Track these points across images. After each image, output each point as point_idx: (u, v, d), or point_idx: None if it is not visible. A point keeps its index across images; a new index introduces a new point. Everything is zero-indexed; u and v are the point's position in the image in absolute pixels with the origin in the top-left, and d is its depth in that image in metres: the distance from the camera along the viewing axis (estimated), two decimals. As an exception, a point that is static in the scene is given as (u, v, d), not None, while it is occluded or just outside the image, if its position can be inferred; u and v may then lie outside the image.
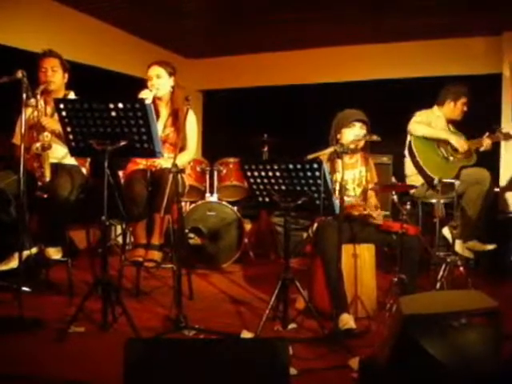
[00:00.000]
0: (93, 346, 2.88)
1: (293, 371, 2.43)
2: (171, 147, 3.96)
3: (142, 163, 3.95)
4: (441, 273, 3.81)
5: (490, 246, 4.49)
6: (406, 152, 4.73)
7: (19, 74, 3.19)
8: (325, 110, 3.96)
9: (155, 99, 3.95)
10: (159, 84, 3.96)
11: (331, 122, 3.83)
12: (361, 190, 3.81)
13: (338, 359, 2.72)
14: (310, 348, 2.90)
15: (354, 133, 3.66)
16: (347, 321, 3.16)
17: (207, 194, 5.61)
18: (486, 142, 4.65)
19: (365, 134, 3.53)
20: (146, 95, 3.78)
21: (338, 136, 3.76)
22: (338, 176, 3.61)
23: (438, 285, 3.78)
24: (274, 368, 1.97)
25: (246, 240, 5.53)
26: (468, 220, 4.51)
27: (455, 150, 4.62)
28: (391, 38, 6.40)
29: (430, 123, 4.72)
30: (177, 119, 3.99)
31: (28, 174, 3.48)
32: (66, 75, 4.08)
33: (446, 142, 4.63)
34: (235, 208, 5.50)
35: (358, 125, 3.69)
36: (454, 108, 4.76)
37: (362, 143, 3.68)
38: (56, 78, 3.97)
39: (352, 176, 3.78)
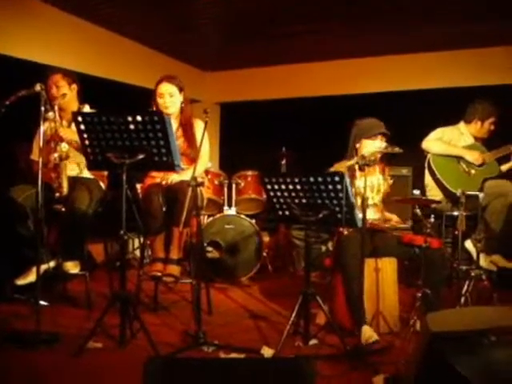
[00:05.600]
0: (110, 363, 2.83)
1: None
2: (183, 157, 3.93)
3: (159, 177, 3.92)
4: (465, 287, 3.71)
5: None
6: (426, 167, 4.68)
7: (37, 88, 3.18)
8: (343, 121, 3.92)
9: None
10: (173, 102, 3.97)
11: (350, 131, 3.79)
12: (380, 197, 3.75)
13: (362, 377, 2.66)
14: (333, 365, 2.83)
15: (375, 145, 3.62)
16: (370, 334, 3.08)
17: (225, 208, 5.56)
18: None
19: (386, 146, 3.48)
20: None
21: (357, 145, 3.73)
22: (356, 183, 3.58)
23: (463, 299, 3.68)
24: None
25: (264, 253, 5.48)
26: (491, 233, 4.43)
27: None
28: (410, 48, 6.36)
29: (450, 140, 4.67)
30: (186, 131, 3.98)
31: (45, 186, 3.47)
32: (74, 86, 4.08)
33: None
34: (253, 221, 5.45)
35: (379, 137, 3.67)
36: (480, 128, 4.72)
37: (380, 154, 3.64)
38: (61, 92, 3.95)
39: (370, 184, 3.69)
